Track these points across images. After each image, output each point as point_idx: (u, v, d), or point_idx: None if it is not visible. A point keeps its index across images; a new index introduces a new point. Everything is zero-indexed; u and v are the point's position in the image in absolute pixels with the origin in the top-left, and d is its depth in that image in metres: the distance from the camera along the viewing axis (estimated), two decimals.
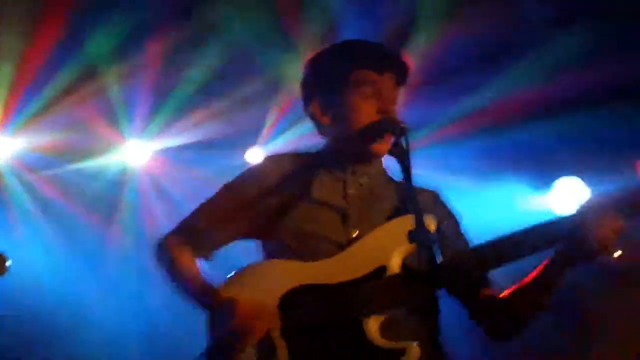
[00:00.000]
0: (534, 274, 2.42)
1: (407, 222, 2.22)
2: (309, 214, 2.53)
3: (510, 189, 6.02)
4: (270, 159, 2.70)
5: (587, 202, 2.34)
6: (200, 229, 2.59)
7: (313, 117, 2.63)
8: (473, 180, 5.77)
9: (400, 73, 2.58)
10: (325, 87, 2.59)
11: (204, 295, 2.45)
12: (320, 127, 2.64)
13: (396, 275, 2.33)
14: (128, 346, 6.05)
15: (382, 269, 2.35)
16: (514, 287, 2.48)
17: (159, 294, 6.08)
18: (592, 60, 5.04)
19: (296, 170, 2.61)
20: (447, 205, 2.67)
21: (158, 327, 6.12)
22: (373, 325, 2.31)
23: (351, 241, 2.46)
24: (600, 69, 5.05)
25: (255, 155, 6.11)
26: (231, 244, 2.66)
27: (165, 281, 2.62)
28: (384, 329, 2.31)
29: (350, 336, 2.30)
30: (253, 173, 2.68)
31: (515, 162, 6.00)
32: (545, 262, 2.39)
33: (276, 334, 2.34)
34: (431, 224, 2.33)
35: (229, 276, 2.53)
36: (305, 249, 2.48)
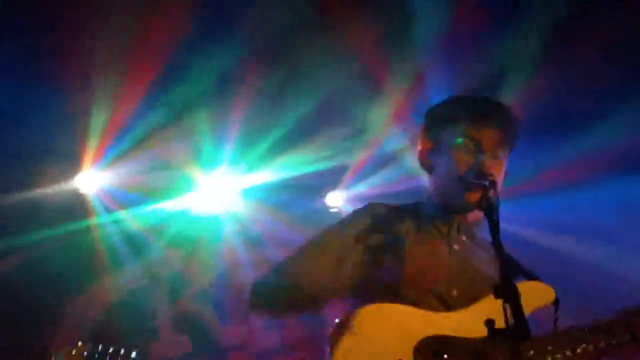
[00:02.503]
0: None
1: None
2: (422, 267, 2.52)
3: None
4: (372, 206, 2.71)
5: None
6: (299, 291, 2.57)
7: (420, 161, 2.72)
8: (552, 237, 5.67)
9: (506, 128, 2.58)
10: (430, 137, 2.68)
11: None
12: (425, 169, 2.73)
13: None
14: None
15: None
16: None
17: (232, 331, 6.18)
18: None
19: (396, 218, 2.64)
20: None
21: None
22: None
23: (454, 301, 2.47)
24: None
25: (335, 199, 6.15)
26: None
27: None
28: None
29: None
30: (352, 220, 2.67)
31: (598, 219, 5.87)
32: None
33: None
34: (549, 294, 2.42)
35: (342, 320, 2.45)
36: (408, 296, 2.46)
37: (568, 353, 2.37)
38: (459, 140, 2.56)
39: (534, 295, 2.39)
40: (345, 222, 2.67)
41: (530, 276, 2.54)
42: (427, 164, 2.69)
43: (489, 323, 2.29)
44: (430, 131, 2.68)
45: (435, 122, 2.67)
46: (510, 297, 2.08)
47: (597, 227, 5.87)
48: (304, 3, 4.50)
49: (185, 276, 6.33)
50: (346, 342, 2.37)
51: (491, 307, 2.33)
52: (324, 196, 6.21)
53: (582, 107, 5.20)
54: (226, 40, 4.61)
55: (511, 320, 2.01)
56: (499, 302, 2.26)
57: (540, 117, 5.09)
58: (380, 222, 2.62)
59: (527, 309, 2.25)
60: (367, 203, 2.75)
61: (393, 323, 2.39)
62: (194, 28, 4.57)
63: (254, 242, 6.23)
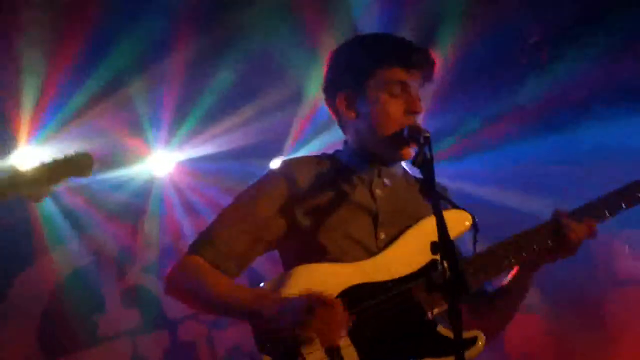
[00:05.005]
0: (509, 279, 2.58)
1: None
2: (345, 216, 2.49)
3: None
4: (288, 164, 2.62)
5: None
6: (226, 247, 2.52)
7: (337, 111, 2.60)
8: (498, 192, 5.70)
9: (428, 70, 2.54)
10: (352, 82, 2.55)
11: (260, 299, 2.35)
12: (344, 122, 2.61)
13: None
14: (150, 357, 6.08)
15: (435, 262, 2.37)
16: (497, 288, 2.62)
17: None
18: None
19: (319, 173, 2.56)
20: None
21: (178, 337, 6.15)
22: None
23: (380, 245, 2.46)
24: None
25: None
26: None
27: (191, 299, 2.55)
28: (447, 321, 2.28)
29: (417, 327, 2.33)
30: (272, 182, 2.59)
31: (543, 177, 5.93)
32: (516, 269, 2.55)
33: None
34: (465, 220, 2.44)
35: (264, 284, 2.45)
36: (338, 251, 2.45)
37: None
38: (387, 85, 2.48)
39: (453, 223, 2.38)
40: (260, 194, 2.56)
41: (453, 205, 2.54)
42: (350, 110, 2.55)
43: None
44: (355, 75, 2.55)
45: (360, 66, 2.54)
46: (447, 253, 2.07)
47: (540, 179, 5.93)
48: None
49: (131, 250, 6.23)
50: None
51: (416, 239, 2.43)
52: (268, 162, 6.15)
53: (519, 58, 5.23)
54: (154, 3, 4.49)
55: (448, 275, 2.01)
56: (424, 230, 2.39)
57: (477, 68, 5.11)
58: (298, 184, 2.53)
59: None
60: (282, 162, 2.67)
61: (317, 284, 2.35)
62: None
63: (196, 211, 6.16)
